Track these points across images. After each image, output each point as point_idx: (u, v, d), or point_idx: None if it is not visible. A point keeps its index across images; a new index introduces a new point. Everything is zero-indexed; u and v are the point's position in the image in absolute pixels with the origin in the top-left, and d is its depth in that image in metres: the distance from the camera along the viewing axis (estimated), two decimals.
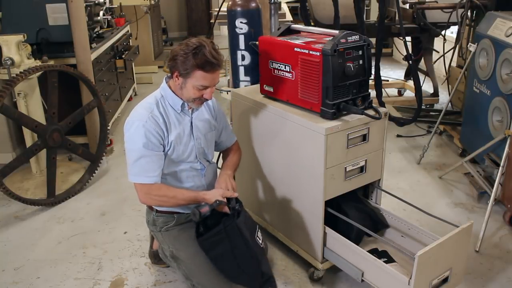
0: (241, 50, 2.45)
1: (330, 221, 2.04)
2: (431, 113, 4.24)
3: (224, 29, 3.57)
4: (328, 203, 2.01)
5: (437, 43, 4.23)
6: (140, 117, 1.88)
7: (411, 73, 3.82)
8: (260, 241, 1.96)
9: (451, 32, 4.66)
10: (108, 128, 3.41)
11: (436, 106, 4.44)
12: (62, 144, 2.94)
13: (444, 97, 4.60)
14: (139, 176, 1.89)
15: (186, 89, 1.87)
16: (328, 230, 2.02)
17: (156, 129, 1.87)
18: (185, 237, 2.02)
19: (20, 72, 2.74)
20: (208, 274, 1.96)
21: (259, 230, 1.98)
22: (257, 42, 2.30)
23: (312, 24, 3.89)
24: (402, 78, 4.96)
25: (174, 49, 1.87)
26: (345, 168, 1.99)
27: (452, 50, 3.79)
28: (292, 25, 2.22)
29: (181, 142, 1.96)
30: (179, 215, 2.05)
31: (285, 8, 4.82)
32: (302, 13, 3.56)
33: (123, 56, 4.27)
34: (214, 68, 1.82)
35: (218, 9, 3.18)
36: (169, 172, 1.99)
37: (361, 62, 1.93)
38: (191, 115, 2.00)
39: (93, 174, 3.20)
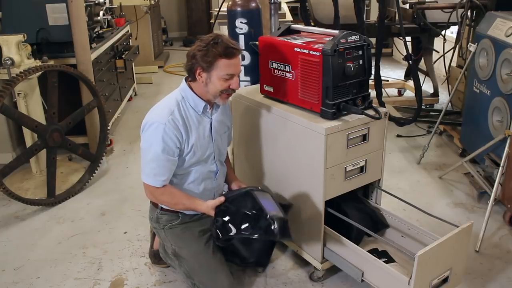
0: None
1: (330, 221, 2.04)
2: (431, 113, 4.23)
3: (224, 29, 3.57)
4: (328, 203, 2.01)
5: (437, 43, 4.23)
6: (159, 118, 1.85)
7: (411, 73, 3.83)
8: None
9: (451, 32, 4.66)
10: (108, 128, 3.40)
11: (436, 106, 4.44)
12: (62, 144, 2.94)
13: (444, 97, 4.59)
14: (149, 177, 1.91)
15: (212, 83, 1.85)
16: (328, 230, 2.02)
17: (175, 132, 1.85)
18: (188, 235, 2.03)
19: (20, 72, 2.74)
20: (210, 273, 1.97)
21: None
22: (257, 42, 2.30)
23: (312, 24, 3.89)
24: (402, 78, 4.96)
25: (189, 50, 1.87)
26: (345, 168, 1.98)
27: (452, 50, 3.78)
28: (292, 25, 2.22)
29: (201, 144, 1.96)
30: (184, 215, 2.05)
31: (285, 8, 4.81)
32: (302, 13, 3.56)
33: (123, 56, 4.27)
34: (235, 53, 1.83)
35: (218, 9, 3.17)
36: (185, 173, 1.99)
37: (361, 62, 1.93)
38: (210, 116, 1.99)
39: (93, 174, 3.20)
